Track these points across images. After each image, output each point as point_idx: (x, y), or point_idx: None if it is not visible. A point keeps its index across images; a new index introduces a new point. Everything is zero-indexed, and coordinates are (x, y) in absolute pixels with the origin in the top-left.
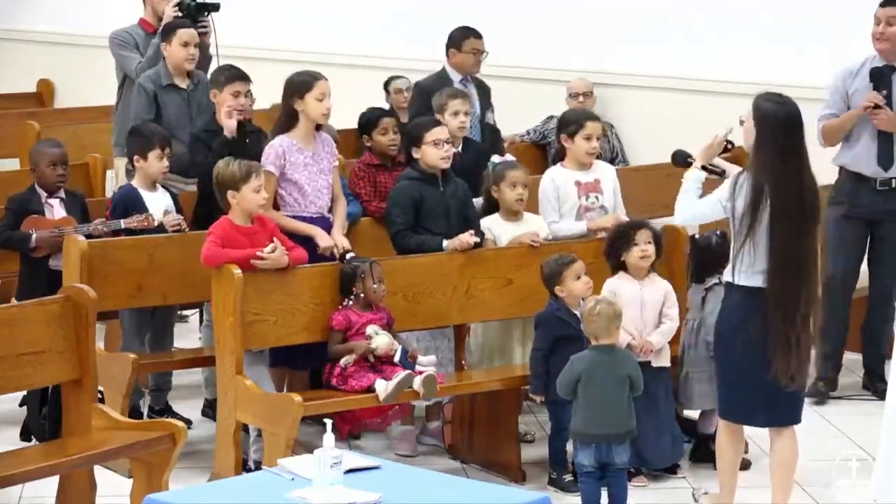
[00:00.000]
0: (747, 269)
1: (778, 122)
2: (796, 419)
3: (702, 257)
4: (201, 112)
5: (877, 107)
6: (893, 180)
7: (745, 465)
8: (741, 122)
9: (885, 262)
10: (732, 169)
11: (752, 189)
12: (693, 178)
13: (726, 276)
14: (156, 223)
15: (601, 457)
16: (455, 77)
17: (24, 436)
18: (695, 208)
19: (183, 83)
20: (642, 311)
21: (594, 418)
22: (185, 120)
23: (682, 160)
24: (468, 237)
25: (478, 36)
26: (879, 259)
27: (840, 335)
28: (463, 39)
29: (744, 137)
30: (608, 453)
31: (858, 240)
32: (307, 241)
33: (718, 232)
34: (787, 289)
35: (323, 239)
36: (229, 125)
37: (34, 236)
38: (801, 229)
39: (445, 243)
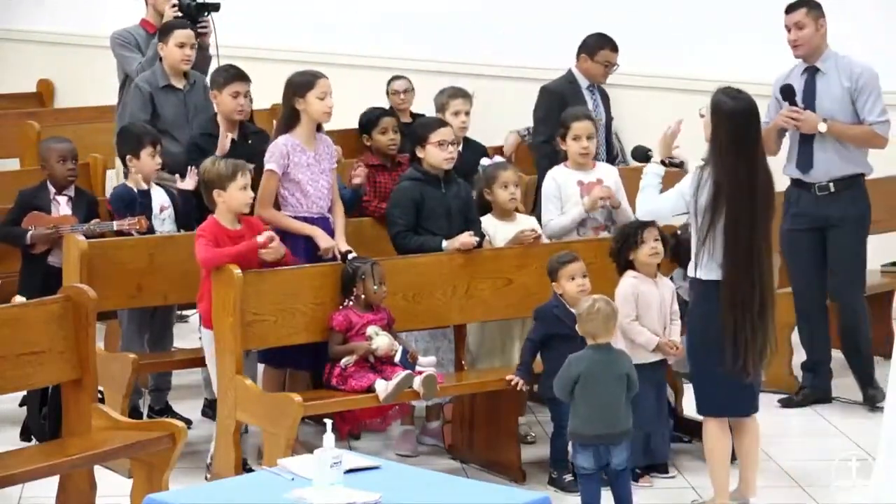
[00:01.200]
0: (708, 264)
1: (733, 116)
2: (755, 409)
3: None
4: (198, 113)
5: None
6: (832, 184)
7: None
8: (701, 116)
9: (838, 268)
10: (690, 160)
11: (713, 184)
12: (652, 172)
13: (689, 271)
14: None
15: (600, 459)
16: (583, 83)
17: (24, 436)
18: (656, 203)
19: (179, 84)
20: (660, 310)
21: (593, 418)
22: (182, 120)
23: (642, 155)
24: (468, 237)
25: (614, 49)
26: (833, 266)
27: (820, 346)
28: (598, 49)
29: (704, 131)
30: (607, 454)
31: (813, 250)
32: (308, 241)
33: None
34: (740, 282)
35: (323, 240)
36: (223, 145)
37: (30, 233)
38: (755, 223)
39: (445, 244)
